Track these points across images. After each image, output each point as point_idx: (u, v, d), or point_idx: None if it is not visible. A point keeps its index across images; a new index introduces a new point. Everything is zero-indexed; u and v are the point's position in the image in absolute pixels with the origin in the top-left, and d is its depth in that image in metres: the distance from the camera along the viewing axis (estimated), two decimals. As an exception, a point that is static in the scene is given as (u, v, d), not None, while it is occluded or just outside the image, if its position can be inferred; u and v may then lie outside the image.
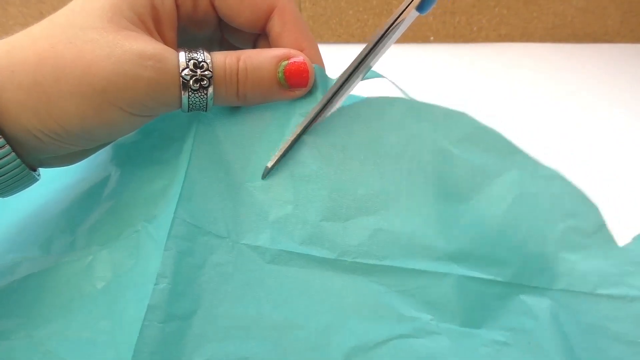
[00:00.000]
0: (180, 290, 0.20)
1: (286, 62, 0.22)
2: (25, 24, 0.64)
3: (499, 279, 0.21)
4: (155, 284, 0.20)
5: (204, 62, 0.21)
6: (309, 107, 0.22)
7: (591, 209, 0.23)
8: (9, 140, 0.19)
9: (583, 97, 0.56)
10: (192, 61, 0.20)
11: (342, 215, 0.22)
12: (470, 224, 0.22)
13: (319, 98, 0.23)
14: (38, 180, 0.22)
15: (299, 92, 0.22)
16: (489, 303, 0.21)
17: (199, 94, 0.21)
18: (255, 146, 0.23)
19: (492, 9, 0.65)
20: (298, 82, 0.22)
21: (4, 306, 0.22)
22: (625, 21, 0.66)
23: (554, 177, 0.23)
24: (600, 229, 0.22)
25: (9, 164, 0.19)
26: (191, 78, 0.20)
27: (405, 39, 0.67)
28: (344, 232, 0.22)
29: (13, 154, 0.19)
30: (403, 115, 0.23)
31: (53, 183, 0.25)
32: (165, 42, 0.22)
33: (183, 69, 0.20)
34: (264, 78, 0.22)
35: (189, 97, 0.21)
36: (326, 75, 0.24)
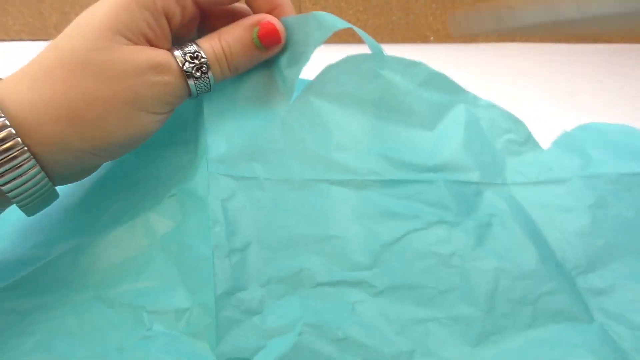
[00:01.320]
0: (233, 229, 0.24)
1: (257, 27, 0.25)
2: (25, 24, 0.64)
3: (471, 180, 0.28)
4: (212, 229, 0.23)
5: (197, 52, 0.24)
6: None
7: (520, 125, 0.31)
8: (47, 168, 0.21)
9: (583, 97, 0.56)
10: (187, 55, 0.23)
11: (347, 146, 0.27)
12: (439, 143, 0.28)
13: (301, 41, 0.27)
14: (58, 197, 0.24)
15: (276, 48, 0.26)
16: (470, 198, 0.27)
17: (202, 79, 0.24)
18: (261, 93, 0.27)
19: (492, 9, 0.65)
20: (272, 41, 0.25)
21: (56, 280, 0.24)
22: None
23: (490, 106, 0.31)
24: (529, 139, 0.30)
25: (43, 187, 0.21)
26: (193, 68, 0.23)
27: (405, 39, 0.67)
28: (352, 158, 0.27)
29: (46, 179, 0.21)
30: (377, 67, 0.28)
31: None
32: None
33: (183, 64, 0.23)
34: (245, 47, 0.25)
35: (195, 85, 0.24)
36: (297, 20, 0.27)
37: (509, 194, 0.28)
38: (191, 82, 0.24)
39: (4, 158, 0.20)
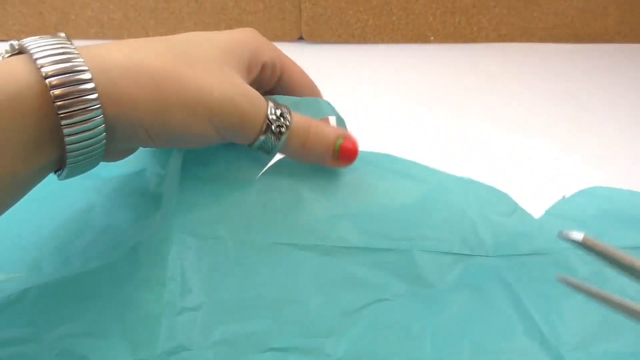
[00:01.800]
0: (188, 288, 0.24)
1: (342, 140, 0.27)
2: (25, 24, 0.64)
3: (450, 250, 0.27)
4: (167, 286, 0.24)
5: (287, 114, 0.25)
6: None
7: (505, 197, 0.29)
8: (108, 125, 0.21)
9: (583, 97, 0.56)
10: (278, 111, 0.25)
11: (318, 212, 0.27)
12: (417, 215, 0.27)
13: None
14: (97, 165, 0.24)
15: (344, 165, 0.27)
16: (446, 268, 0.26)
17: (275, 137, 0.25)
18: (236, 162, 0.27)
19: (492, 9, 0.65)
20: (348, 159, 0.27)
21: (5, 317, 0.24)
22: (625, 21, 0.66)
23: (471, 182, 0.29)
24: (515, 209, 0.28)
25: (97, 150, 0.22)
26: (274, 122, 0.24)
27: (405, 39, 0.67)
28: (322, 223, 0.27)
29: (104, 141, 0.21)
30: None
31: (32, 205, 0.26)
32: None
33: (271, 114, 0.24)
34: (323, 146, 0.26)
35: (266, 138, 0.25)
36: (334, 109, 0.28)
37: (491, 266, 0.27)
38: (264, 134, 0.24)
39: (79, 110, 0.20)
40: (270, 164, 0.27)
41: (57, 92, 0.19)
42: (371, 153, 0.28)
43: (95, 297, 0.25)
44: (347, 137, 0.27)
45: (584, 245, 0.19)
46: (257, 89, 0.26)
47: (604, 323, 0.26)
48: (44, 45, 0.20)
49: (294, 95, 0.28)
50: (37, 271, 0.26)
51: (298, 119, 0.26)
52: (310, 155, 0.27)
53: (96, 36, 0.62)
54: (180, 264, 0.24)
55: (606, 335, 0.26)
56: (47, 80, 0.19)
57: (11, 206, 0.22)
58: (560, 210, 0.29)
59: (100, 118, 0.20)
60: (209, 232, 0.25)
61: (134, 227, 0.27)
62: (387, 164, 0.29)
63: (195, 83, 0.22)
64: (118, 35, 0.64)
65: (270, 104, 0.25)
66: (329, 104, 0.28)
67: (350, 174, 0.28)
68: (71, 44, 0.21)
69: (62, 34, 0.22)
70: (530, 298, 0.26)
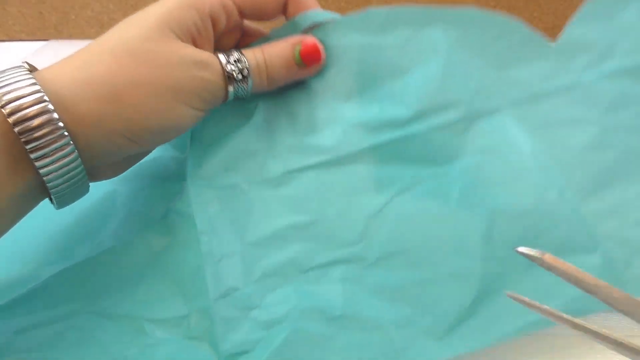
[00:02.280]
0: (220, 236, 0.25)
1: (299, 46, 0.26)
2: (25, 24, 0.64)
3: (457, 117, 0.25)
4: (201, 239, 0.24)
5: (240, 57, 0.25)
6: None
7: (517, 26, 0.25)
8: (81, 151, 0.21)
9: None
10: (231, 58, 0.24)
11: (318, 127, 0.26)
12: (416, 88, 0.26)
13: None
14: (88, 192, 0.24)
15: (314, 69, 0.27)
16: (458, 139, 0.25)
17: (243, 84, 0.25)
18: (230, 108, 0.27)
19: (492, 9, 0.65)
20: (313, 59, 0.26)
21: (51, 297, 0.24)
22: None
23: (472, 15, 0.27)
24: (530, 38, 0.25)
25: (78, 175, 0.22)
26: (234, 71, 0.24)
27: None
28: (325, 137, 0.26)
29: (82, 166, 0.21)
30: (323, 37, 0.27)
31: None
32: None
33: (226, 65, 0.24)
34: (285, 61, 0.26)
35: (234, 89, 0.25)
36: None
37: (503, 120, 0.25)
38: (231, 86, 0.25)
39: (41, 136, 0.19)
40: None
41: (18, 128, 0.19)
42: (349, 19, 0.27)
43: (135, 268, 0.25)
44: (304, 41, 0.26)
45: (542, 262, 0.20)
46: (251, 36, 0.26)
47: (616, 160, 0.25)
48: (2, 80, 0.20)
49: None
50: (69, 258, 0.26)
51: (250, 54, 0.25)
52: (280, 78, 0.26)
53: (96, 36, 0.62)
54: (207, 217, 0.25)
55: (621, 171, 0.24)
56: (9, 119, 0.19)
57: None
58: (570, 39, 0.25)
59: (70, 145, 0.20)
60: (223, 182, 0.26)
61: (159, 203, 0.27)
62: (364, 26, 0.27)
63: (146, 71, 0.22)
64: (118, 35, 0.63)
65: (220, 56, 0.24)
66: (305, 15, 0.27)
67: (333, 70, 0.27)
68: (27, 72, 0.21)
69: (25, 64, 0.22)
70: (546, 146, 0.25)
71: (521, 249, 0.20)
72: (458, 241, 0.24)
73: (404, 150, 0.26)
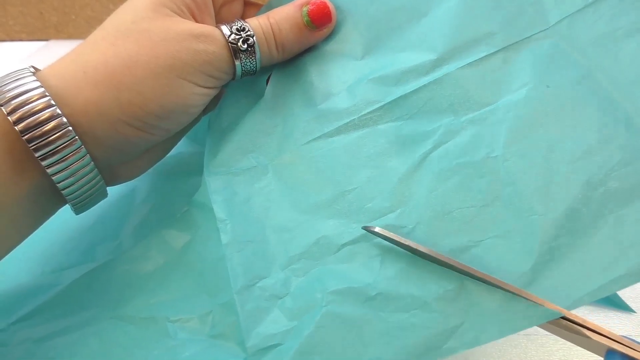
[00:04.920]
0: (242, 223, 0.23)
1: (307, 6, 0.24)
2: (25, 24, 0.64)
3: (493, 49, 0.22)
4: (220, 229, 0.23)
5: (244, 26, 0.23)
6: None
7: None
8: (88, 145, 0.20)
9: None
10: (234, 27, 0.23)
11: (334, 90, 0.24)
12: (440, 25, 0.23)
13: None
14: (107, 196, 0.23)
15: (326, 30, 0.25)
16: (495, 76, 0.22)
17: (249, 55, 0.23)
18: (242, 91, 0.26)
19: None
20: (323, 20, 0.24)
21: (72, 305, 0.24)
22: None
23: None
24: None
25: (92, 179, 0.21)
26: (239, 40, 0.23)
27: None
28: (342, 99, 0.24)
29: (92, 163, 0.21)
30: None
31: None
32: None
33: (229, 36, 0.23)
34: (294, 26, 0.24)
35: (241, 62, 0.23)
36: None
37: (550, 44, 0.22)
38: (237, 59, 0.23)
39: (45, 132, 0.19)
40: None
41: (20, 126, 0.18)
42: None
43: (156, 268, 0.24)
44: (311, 1, 0.24)
45: (381, 236, 0.20)
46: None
47: None
48: (3, 80, 0.19)
49: None
50: (91, 258, 0.25)
51: (254, 22, 0.24)
52: (291, 45, 0.24)
53: (96, 36, 0.62)
54: (224, 204, 0.23)
55: None
56: (10, 117, 0.19)
57: (11, 243, 0.21)
58: None
59: (69, 133, 0.19)
60: (241, 165, 0.24)
61: (180, 199, 0.26)
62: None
63: (142, 51, 0.21)
64: (118, 35, 0.63)
65: (222, 27, 0.23)
66: None
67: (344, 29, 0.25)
68: (29, 72, 0.20)
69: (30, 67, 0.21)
70: (604, 66, 0.21)
71: (366, 226, 0.21)
72: (510, 196, 0.21)
73: (433, 98, 0.22)
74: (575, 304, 0.19)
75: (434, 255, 0.20)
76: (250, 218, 0.23)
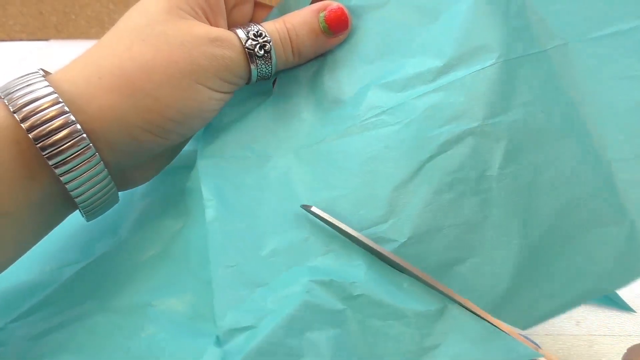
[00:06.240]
0: (231, 206, 0.23)
1: (324, 12, 0.24)
2: (25, 24, 0.64)
3: (498, 60, 0.22)
4: (206, 208, 0.22)
5: (260, 31, 0.23)
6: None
7: None
8: (102, 151, 0.20)
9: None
10: (250, 33, 0.23)
11: (341, 97, 0.24)
12: (447, 34, 0.23)
13: None
14: (119, 201, 0.23)
15: (342, 36, 0.25)
16: (497, 89, 0.21)
17: (265, 61, 0.23)
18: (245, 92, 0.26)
19: None
20: (340, 26, 0.24)
21: (65, 301, 0.24)
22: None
23: None
24: None
25: (105, 186, 0.21)
26: (255, 46, 0.22)
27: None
28: (347, 105, 0.24)
29: (105, 170, 0.20)
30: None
31: None
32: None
33: (246, 41, 0.22)
34: (311, 31, 0.24)
35: (257, 67, 0.23)
36: None
37: (547, 65, 0.22)
38: (253, 64, 0.23)
39: (58, 140, 0.18)
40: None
41: (33, 134, 0.18)
42: None
43: (149, 258, 0.24)
44: (328, 7, 0.24)
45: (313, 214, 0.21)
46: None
47: None
48: (14, 85, 0.19)
49: None
50: (90, 255, 0.25)
51: (271, 26, 0.23)
52: (307, 50, 0.24)
53: (96, 36, 0.62)
54: (214, 185, 0.23)
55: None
56: (23, 125, 0.18)
57: (19, 250, 0.21)
58: None
59: (90, 148, 0.19)
60: (236, 153, 0.24)
61: (176, 191, 0.26)
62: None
63: (159, 56, 0.20)
64: (118, 35, 0.63)
65: (238, 31, 0.23)
66: None
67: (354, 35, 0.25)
68: (41, 76, 0.20)
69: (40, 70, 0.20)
70: (593, 100, 0.22)
71: (304, 205, 0.21)
72: (498, 218, 0.21)
73: (436, 105, 0.22)
74: (530, 324, 0.21)
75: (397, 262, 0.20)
76: (239, 205, 0.23)
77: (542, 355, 0.19)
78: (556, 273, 0.21)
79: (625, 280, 0.21)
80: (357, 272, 0.21)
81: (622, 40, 0.22)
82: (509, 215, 0.21)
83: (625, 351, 0.20)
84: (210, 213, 0.22)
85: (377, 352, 0.19)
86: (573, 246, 0.21)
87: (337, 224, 0.21)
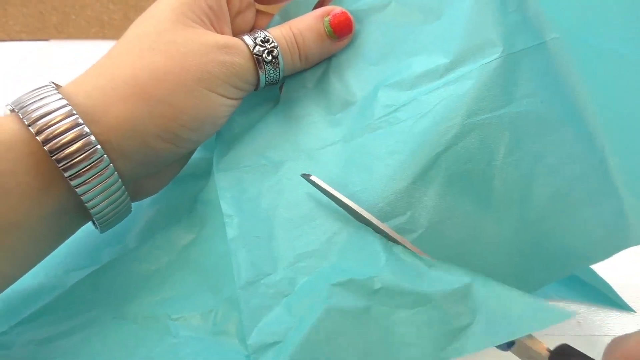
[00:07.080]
0: (249, 218, 0.23)
1: (328, 17, 0.24)
2: (25, 24, 0.64)
3: (495, 57, 0.22)
4: (226, 224, 0.23)
5: (267, 37, 0.23)
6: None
7: None
8: (116, 162, 0.20)
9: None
10: (258, 39, 0.23)
11: (350, 100, 0.25)
12: (450, 32, 0.23)
13: None
14: (131, 212, 0.23)
15: (346, 40, 0.25)
16: (502, 82, 0.22)
17: (273, 66, 0.23)
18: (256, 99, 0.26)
19: None
20: (344, 30, 0.25)
21: (75, 305, 0.24)
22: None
23: None
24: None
25: (120, 197, 0.21)
26: (263, 52, 0.23)
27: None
28: (357, 108, 0.24)
29: (119, 180, 0.20)
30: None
31: None
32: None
33: (254, 48, 0.23)
34: (317, 36, 0.24)
35: (265, 72, 0.23)
36: None
37: (547, 57, 0.22)
38: (260, 69, 0.23)
39: (73, 152, 0.19)
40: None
41: (48, 146, 0.18)
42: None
43: (160, 267, 0.24)
44: (332, 11, 0.25)
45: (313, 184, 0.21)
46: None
47: None
48: (28, 99, 0.19)
49: None
50: (97, 261, 0.25)
51: (277, 32, 0.24)
52: (313, 55, 0.25)
53: (96, 36, 0.62)
54: (232, 199, 0.23)
55: None
56: (38, 137, 0.18)
57: (32, 261, 0.21)
58: None
59: (104, 159, 0.19)
60: (251, 162, 0.24)
61: (186, 200, 0.26)
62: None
63: (170, 63, 0.21)
64: (118, 35, 0.63)
65: (245, 37, 0.23)
66: None
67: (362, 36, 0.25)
68: (54, 89, 0.20)
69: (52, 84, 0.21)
70: (591, 80, 0.22)
71: (304, 174, 0.22)
72: (500, 202, 0.22)
73: (444, 98, 0.22)
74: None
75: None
76: (258, 215, 0.23)
77: (575, 315, 0.19)
78: (549, 247, 0.22)
79: (612, 251, 0.22)
80: (375, 264, 0.20)
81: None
82: (509, 201, 0.22)
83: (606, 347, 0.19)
84: (232, 232, 0.23)
85: (409, 342, 0.19)
86: (565, 223, 0.22)
87: (335, 194, 0.21)
